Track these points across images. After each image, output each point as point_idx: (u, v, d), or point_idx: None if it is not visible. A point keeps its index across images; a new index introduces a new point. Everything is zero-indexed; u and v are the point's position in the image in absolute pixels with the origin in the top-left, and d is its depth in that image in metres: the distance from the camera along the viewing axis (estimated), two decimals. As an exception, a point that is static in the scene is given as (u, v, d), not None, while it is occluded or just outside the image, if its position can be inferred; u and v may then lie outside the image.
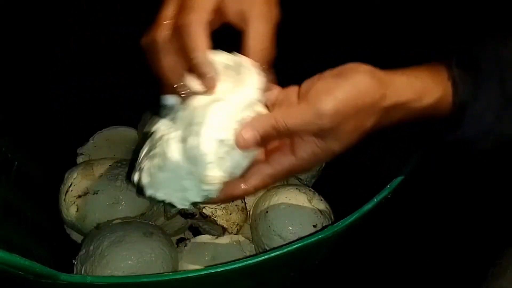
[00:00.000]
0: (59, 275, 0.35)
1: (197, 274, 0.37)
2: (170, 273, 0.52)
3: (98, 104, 0.72)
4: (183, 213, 0.61)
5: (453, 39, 0.47)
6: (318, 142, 0.35)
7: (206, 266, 0.38)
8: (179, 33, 0.36)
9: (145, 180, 0.38)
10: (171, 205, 0.38)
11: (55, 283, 0.36)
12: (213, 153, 0.34)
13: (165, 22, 0.37)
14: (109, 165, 0.64)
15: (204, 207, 0.60)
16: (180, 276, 0.38)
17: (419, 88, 0.36)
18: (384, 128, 0.37)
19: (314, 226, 0.57)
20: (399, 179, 0.44)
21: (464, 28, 0.48)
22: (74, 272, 0.56)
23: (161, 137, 0.38)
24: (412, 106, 0.36)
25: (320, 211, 0.59)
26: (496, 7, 0.47)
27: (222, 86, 0.37)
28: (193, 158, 0.35)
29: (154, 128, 0.40)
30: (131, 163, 0.64)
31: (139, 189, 0.39)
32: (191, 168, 0.35)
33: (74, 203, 0.61)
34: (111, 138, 0.74)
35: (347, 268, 0.63)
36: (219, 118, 0.34)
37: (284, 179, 0.39)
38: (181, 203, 0.38)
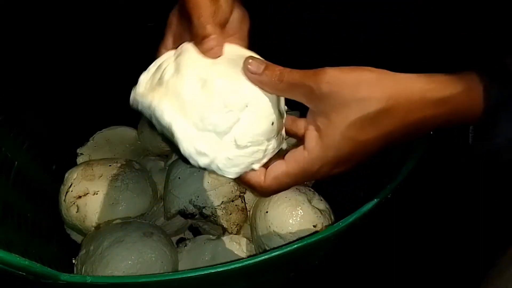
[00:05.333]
0: (59, 275, 0.36)
1: (197, 274, 0.38)
2: (170, 273, 0.52)
3: (98, 104, 0.72)
4: (183, 213, 0.61)
5: (479, 49, 0.47)
6: (321, 122, 0.34)
7: (206, 266, 0.38)
8: None
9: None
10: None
11: (55, 283, 0.36)
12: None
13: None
14: (109, 165, 0.64)
15: (204, 207, 0.60)
16: (180, 276, 0.38)
17: (438, 77, 0.34)
18: (406, 128, 0.34)
19: (314, 226, 0.57)
20: (399, 179, 0.44)
21: (490, 38, 0.48)
22: (74, 272, 0.56)
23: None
24: (432, 96, 0.33)
25: (320, 211, 0.59)
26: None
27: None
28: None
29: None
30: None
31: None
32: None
33: (74, 203, 0.61)
34: (111, 138, 0.75)
35: (347, 268, 0.63)
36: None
37: (303, 182, 0.38)
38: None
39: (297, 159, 0.35)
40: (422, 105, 0.33)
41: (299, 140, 0.39)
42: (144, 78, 0.38)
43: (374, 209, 0.42)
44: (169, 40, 0.41)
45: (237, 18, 0.41)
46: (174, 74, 0.36)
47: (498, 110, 0.34)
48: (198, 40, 0.37)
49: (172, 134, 0.35)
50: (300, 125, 0.39)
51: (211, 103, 0.35)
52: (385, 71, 0.34)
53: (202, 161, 0.35)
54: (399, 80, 0.34)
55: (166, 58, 0.39)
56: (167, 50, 0.41)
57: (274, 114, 0.37)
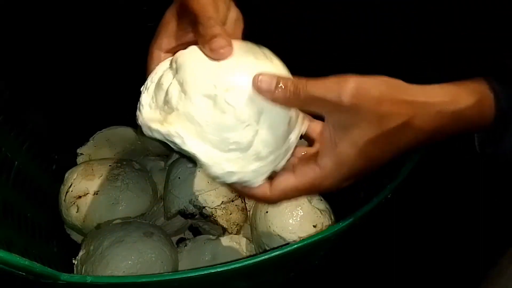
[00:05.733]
0: (59, 275, 0.36)
1: (197, 274, 0.38)
2: (170, 273, 0.52)
3: (98, 104, 0.72)
4: (183, 213, 0.61)
5: (479, 49, 0.47)
6: (338, 137, 0.33)
7: (206, 266, 0.38)
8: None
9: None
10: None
11: (55, 283, 0.36)
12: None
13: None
14: (109, 165, 0.64)
15: (204, 207, 0.60)
16: (180, 276, 0.38)
17: (452, 89, 0.34)
18: (420, 140, 0.34)
19: (314, 226, 0.57)
20: (399, 179, 0.44)
21: (490, 38, 0.47)
22: (74, 272, 0.56)
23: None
24: (446, 108, 0.33)
25: (320, 211, 0.59)
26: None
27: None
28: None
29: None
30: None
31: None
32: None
33: (74, 203, 0.61)
34: (111, 138, 0.75)
35: (347, 268, 0.63)
36: None
37: (310, 194, 0.38)
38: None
39: (308, 174, 0.35)
40: (437, 119, 0.33)
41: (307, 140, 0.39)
42: (146, 100, 0.37)
43: (374, 209, 0.42)
44: (163, 40, 0.39)
45: (233, 18, 0.41)
46: (181, 96, 0.35)
47: (508, 116, 0.34)
48: (206, 39, 0.35)
49: (197, 160, 0.35)
50: (314, 127, 0.38)
51: (227, 121, 0.34)
52: (402, 83, 0.33)
53: (230, 179, 0.35)
54: (417, 93, 0.33)
55: (163, 73, 0.37)
56: (161, 51, 0.40)
57: (289, 111, 0.36)
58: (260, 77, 0.34)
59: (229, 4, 0.40)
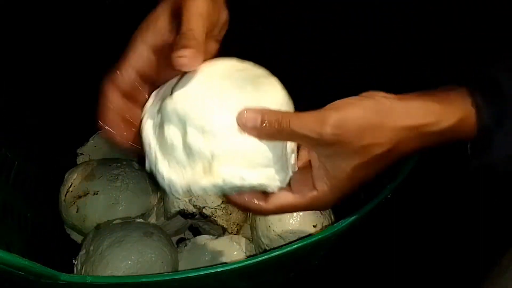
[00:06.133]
0: (59, 275, 0.36)
1: (197, 274, 0.38)
2: (170, 273, 0.52)
3: (98, 104, 0.72)
4: (183, 213, 0.61)
5: (467, 60, 0.47)
6: (329, 166, 0.35)
7: (206, 266, 0.38)
8: None
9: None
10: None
11: (55, 283, 0.36)
12: None
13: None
14: (109, 166, 0.64)
15: (204, 207, 0.60)
16: (180, 276, 0.38)
17: (437, 110, 0.35)
18: (400, 157, 0.36)
19: (314, 226, 0.57)
20: (399, 179, 0.44)
21: (478, 47, 0.48)
22: (74, 272, 0.56)
23: None
24: (429, 130, 0.35)
25: (320, 211, 0.59)
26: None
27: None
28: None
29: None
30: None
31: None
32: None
33: (74, 203, 0.61)
34: (111, 138, 0.75)
35: (347, 268, 0.63)
36: None
37: (306, 211, 0.40)
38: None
39: (305, 195, 0.36)
40: (419, 139, 0.35)
41: None
42: (165, 169, 0.36)
43: (374, 209, 0.42)
44: (149, 34, 0.38)
45: (222, 21, 0.40)
46: (210, 140, 0.34)
47: (491, 130, 0.36)
48: (176, 47, 0.34)
49: (260, 187, 0.35)
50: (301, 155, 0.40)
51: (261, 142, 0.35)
52: (384, 108, 0.34)
53: (286, 183, 0.37)
54: (400, 118, 0.34)
55: (165, 133, 0.36)
56: (145, 45, 0.39)
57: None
58: (245, 113, 0.34)
59: (222, 7, 0.39)
